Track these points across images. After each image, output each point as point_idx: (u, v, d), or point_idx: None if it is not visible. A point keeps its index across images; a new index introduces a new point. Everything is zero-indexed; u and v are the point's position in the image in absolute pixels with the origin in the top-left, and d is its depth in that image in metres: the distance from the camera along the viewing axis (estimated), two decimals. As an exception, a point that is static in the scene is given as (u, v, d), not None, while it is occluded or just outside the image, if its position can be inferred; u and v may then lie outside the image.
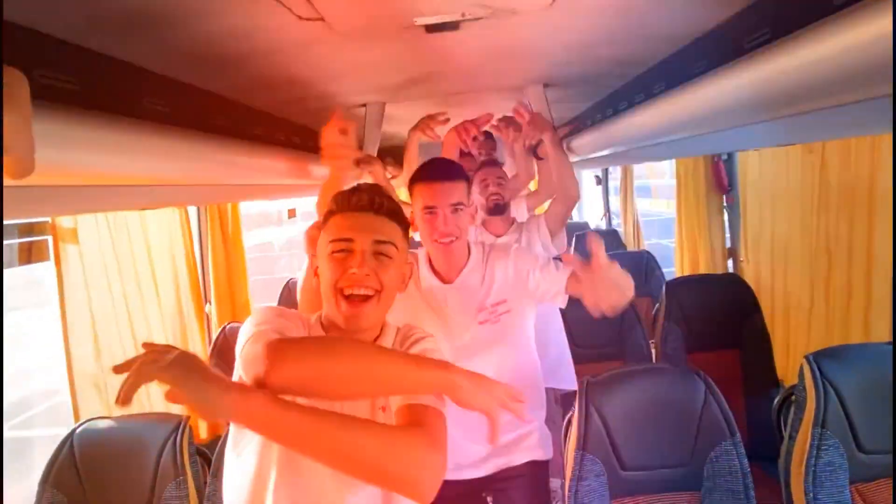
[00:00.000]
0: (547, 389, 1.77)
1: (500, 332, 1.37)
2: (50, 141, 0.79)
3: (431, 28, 1.20)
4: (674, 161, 2.88)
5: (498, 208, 2.03)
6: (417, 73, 1.76)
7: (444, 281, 1.37)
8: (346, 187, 1.30)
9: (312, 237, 1.11)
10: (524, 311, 1.41)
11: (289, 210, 3.38)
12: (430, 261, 1.39)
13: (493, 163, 2.17)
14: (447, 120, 2.15)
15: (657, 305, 2.22)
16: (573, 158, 2.48)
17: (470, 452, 1.38)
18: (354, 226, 0.92)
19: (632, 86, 1.96)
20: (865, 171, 1.57)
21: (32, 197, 0.97)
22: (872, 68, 0.69)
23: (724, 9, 1.15)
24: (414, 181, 1.34)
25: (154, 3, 0.87)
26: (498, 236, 2.05)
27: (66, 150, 0.86)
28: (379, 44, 1.31)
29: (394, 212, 0.95)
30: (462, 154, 2.61)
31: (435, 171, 1.32)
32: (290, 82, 1.55)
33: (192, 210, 2.29)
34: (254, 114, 1.77)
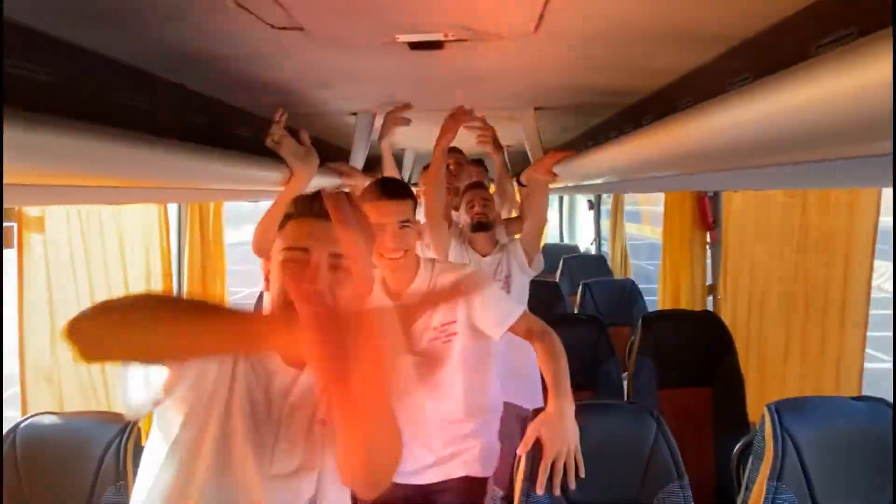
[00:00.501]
0: (508, 405, 1.77)
1: (450, 353, 1.40)
2: (17, 147, 0.77)
3: (415, 45, 1.20)
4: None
5: (481, 226, 2.10)
6: (405, 89, 1.76)
7: (393, 298, 1.40)
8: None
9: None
10: (475, 336, 1.42)
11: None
12: (383, 279, 1.43)
13: (480, 185, 2.26)
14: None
15: (632, 338, 2.20)
16: (562, 185, 2.48)
17: (416, 458, 1.42)
18: (312, 235, 0.86)
19: (622, 116, 1.96)
20: (844, 219, 1.57)
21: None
22: (865, 122, 0.63)
23: (709, 49, 1.15)
24: (363, 199, 1.36)
25: (128, -1, 0.86)
26: (484, 255, 2.12)
27: (32, 157, 0.83)
28: (362, 57, 1.30)
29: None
30: (450, 151, 2.69)
31: (383, 189, 1.37)
32: (273, 86, 1.53)
33: (173, 207, 2.26)
34: (238, 113, 1.76)
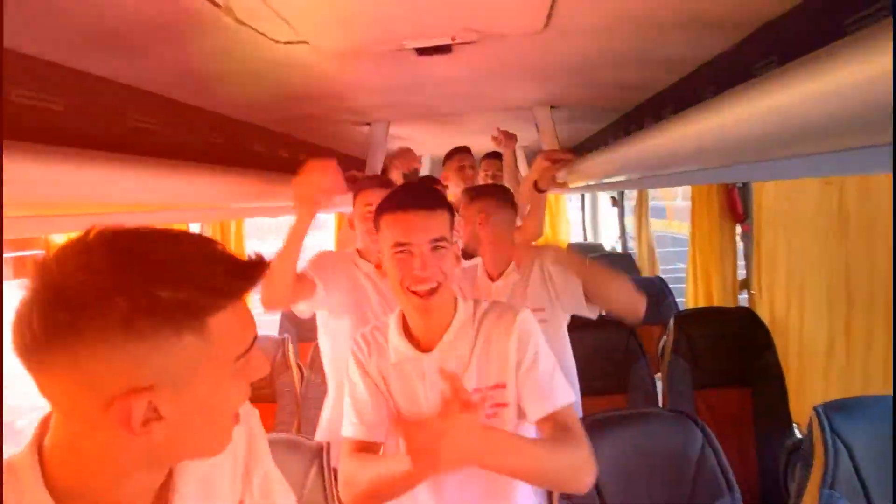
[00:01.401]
0: None
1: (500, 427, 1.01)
2: (35, 180, 0.77)
3: (422, 51, 1.17)
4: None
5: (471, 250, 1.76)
6: (416, 95, 1.73)
7: (420, 349, 1.05)
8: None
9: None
10: (523, 407, 1.03)
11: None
12: (403, 323, 1.07)
13: (486, 193, 1.77)
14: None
15: (664, 338, 2.12)
16: (581, 183, 2.41)
17: None
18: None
19: (641, 110, 1.90)
20: (886, 203, 1.47)
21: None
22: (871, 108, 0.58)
23: (729, 35, 1.10)
24: (381, 211, 1.05)
25: (133, 22, 0.86)
26: (493, 279, 1.68)
27: (52, 187, 0.84)
28: (370, 66, 1.28)
29: None
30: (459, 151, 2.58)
31: (409, 197, 1.03)
32: (285, 100, 1.53)
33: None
34: (252, 129, 1.76)
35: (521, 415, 1.03)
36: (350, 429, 1.05)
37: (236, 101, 1.45)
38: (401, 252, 1.00)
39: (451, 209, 1.06)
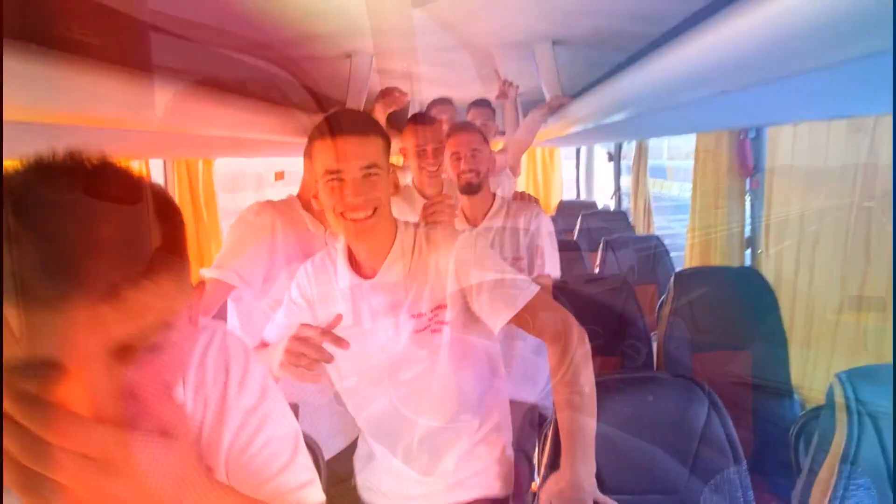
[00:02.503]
0: (519, 404, 1.49)
1: (446, 345, 1.06)
2: None
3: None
4: (670, 141, 2.63)
5: (470, 187, 1.66)
6: (405, 20, 1.53)
7: (363, 276, 1.07)
8: None
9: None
10: (468, 325, 1.06)
11: (276, 172, 3.16)
12: (348, 252, 1.09)
13: (468, 127, 1.73)
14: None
15: (663, 297, 2.01)
16: (580, 128, 2.25)
17: (422, 484, 1.14)
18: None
19: (651, 49, 1.71)
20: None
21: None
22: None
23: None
24: (312, 138, 1.01)
25: None
26: (474, 225, 1.70)
27: None
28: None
29: None
30: (438, 102, 2.43)
31: (339, 123, 0.99)
32: (255, 20, 1.32)
33: (158, 169, 2.09)
34: (216, 57, 1.55)
35: (463, 329, 1.05)
36: (266, 330, 1.15)
37: (198, 17, 1.23)
38: (333, 179, 0.98)
39: (385, 135, 1.03)
